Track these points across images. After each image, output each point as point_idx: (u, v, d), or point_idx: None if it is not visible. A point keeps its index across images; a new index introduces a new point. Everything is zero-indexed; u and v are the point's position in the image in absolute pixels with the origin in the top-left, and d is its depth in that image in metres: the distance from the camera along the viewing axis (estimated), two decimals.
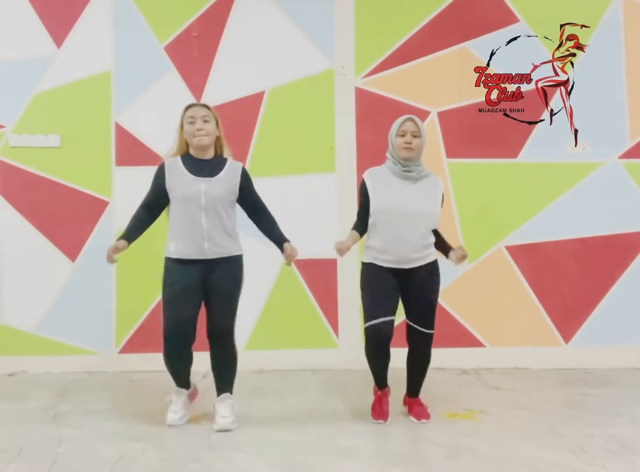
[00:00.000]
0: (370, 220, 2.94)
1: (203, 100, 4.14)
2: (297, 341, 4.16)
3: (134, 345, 4.09)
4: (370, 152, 3.91)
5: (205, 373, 3.88)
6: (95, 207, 4.14)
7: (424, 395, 3.15)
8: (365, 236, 3.01)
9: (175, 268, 2.89)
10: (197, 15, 4.21)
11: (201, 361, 3.75)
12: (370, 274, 2.95)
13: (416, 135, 2.91)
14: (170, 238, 2.93)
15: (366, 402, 3.13)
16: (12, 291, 4.10)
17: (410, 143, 2.89)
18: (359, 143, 4.19)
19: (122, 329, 4.11)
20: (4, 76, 4.13)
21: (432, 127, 4.24)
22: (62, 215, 4.13)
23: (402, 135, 2.91)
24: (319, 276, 4.17)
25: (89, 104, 4.16)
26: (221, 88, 4.18)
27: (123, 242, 2.88)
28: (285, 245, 2.98)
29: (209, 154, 2.95)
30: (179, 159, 2.96)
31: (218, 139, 2.99)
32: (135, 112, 4.16)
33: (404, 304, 2.99)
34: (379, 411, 3.01)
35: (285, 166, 4.21)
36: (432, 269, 2.95)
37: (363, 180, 3.01)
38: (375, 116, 4.21)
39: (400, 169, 2.92)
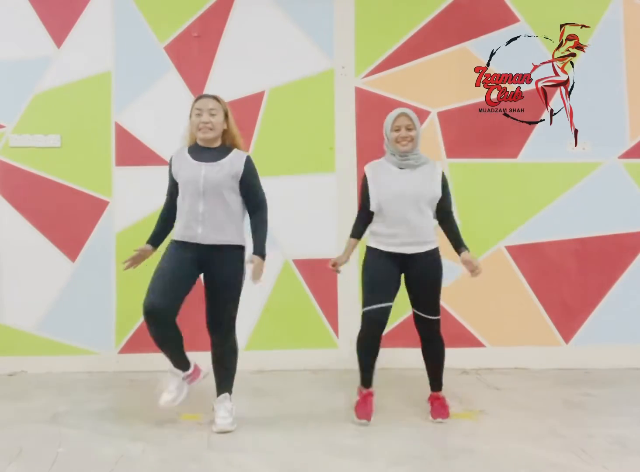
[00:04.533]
0: (375, 208, 3.01)
1: None
2: (297, 341, 4.16)
3: (134, 345, 4.08)
4: (370, 152, 3.88)
5: (206, 373, 3.88)
6: (95, 207, 4.14)
7: (424, 395, 3.14)
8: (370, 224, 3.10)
9: (172, 249, 2.91)
10: (197, 15, 4.21)
11: (201, 361, 3.76)
12: (372, 258, 3.02)
13: (410, 128, 2.99)
14: (176, 221, 2.97)
15: None
16: (12, 291, 4.09)
17: (405, 137, 2.98)
18: (359, 143, 4.19)
19: (122, 329, 4.11)
20: (4, 76, 4.12)
21: (432, 127, 4.25)
22: (62, 215, 4.13)
23: (397, 130, 2.99)
24: (319, 276, 4.17)
25: (89, 104, 4.16)
26: (221, 88, 4.14)
27: (149, 247, 3.01)
28: (252, 257, 2.88)
29: (215, 144, 2.95)
30: (185, 148, 2.98)
31: (227, 131, 2.96)
32: (135, 112, 4.16)
33: (409, 292, 3.05)
34: (364, 410, 3.01)
35: (285, 166, 4.21)
36: (433, 256, 3.02)
37: (364, 174, 3.11)
38: (375, 116, 4.18)
39: (399, 159, 3.02)
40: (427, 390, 3.15)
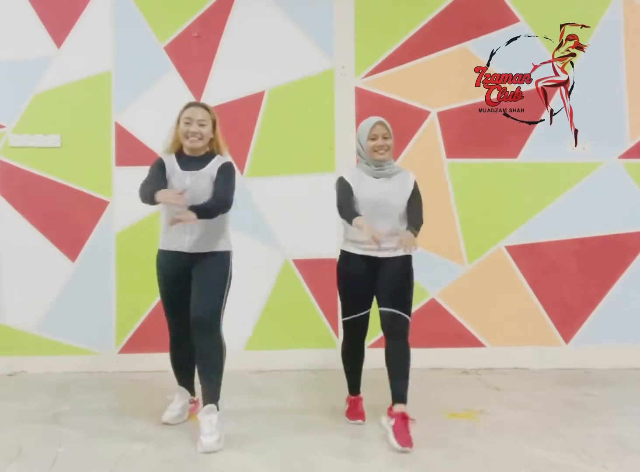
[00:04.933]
0: None
1: (203, 101, 4.14)
2: (297, 341, 4.16)
3: (134, 345, 4.09)
4: None
5: None
6: (95, 207, 4.14)
7: (424, 395, 3.14)
8: (343, 230, 3.04)
9: (163, 261, 2.95)
10: (197, 15, 4.21)
11: None
12: (345, 264, 2.99)
13: (386, 137, 2.98)
14: (161, 230, 2.98)
15: (366, 402, 3.12)
16: (12, 291, 4.09)
17: (382, 146, 2.96)
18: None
19: (122, 329, 4.11)
20: (4, 76, 4.12)
21: (432, 127, 4.24)
22: (62, 215, 4.13)
23: (374, 139, 2.97)
24: (319, 276, 4.17)
25: (89, 104, 4.16)
26: (221, 88, 4.18)
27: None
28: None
29: (201, 152, 2.96)
30: (173, 156, 2.97)
31: (213, 139, 2.97)
32: (135, 112, 4.16)
33: (377, 293, 2.95)
34: (355, 412, 3.02)
35: (285, 166, 4.21)
36: (405, 261, 2.95)
37: (342, 177, 3.03)
38: None
39: (374, 169, 3.00)
40: (426, 390, 3.14)
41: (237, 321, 4.11)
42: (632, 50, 4.28)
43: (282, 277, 4.19)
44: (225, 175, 2.90)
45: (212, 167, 2.92)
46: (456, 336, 4.18)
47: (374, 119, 3.01)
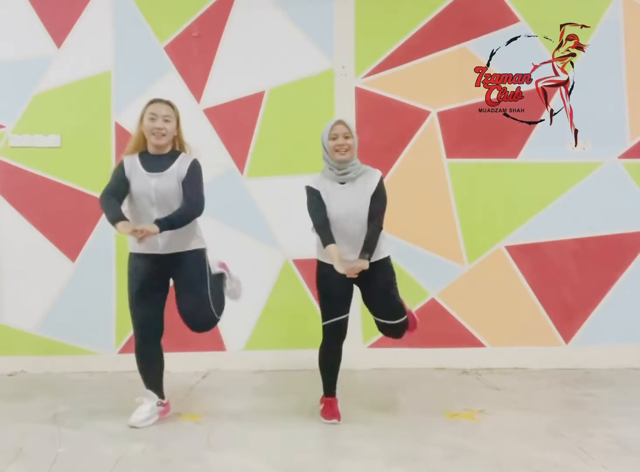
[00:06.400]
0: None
1: (203, 100, 4.17)
2: (297, 341, 4.15)
3: (134, 345, 4.08)
4: (370, 152, 3.89)
5: (205, 373, 3.89)
6: (95, 207, 4.10)
7: (424, 395, 3.15)
8: (316, 237, 3.00)
9: (135, 264, 2.93)
10: (197, 15, 4.21)
11: (201, 361, 3.75)
12: (324, 272, 3.00)
13: (347, 136, 2.97)
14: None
15: (366, 402, 3.13)
16: (12, 291, 4.09)
17: (342, 145, 2.95)
18: (358, 143, 4.18)
19: (122, 329, 4.10)
20: (4, 76, 4.12)
21: (432, 127, 4.24)
22: (62, 216, 4.13)
23: (334, 139, 2.97)
24: None
25: (89, 104, 4.16)
26: (221, 88, 4.18)
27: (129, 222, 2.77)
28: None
29: (166, 150, 2.95)
30: (136, 156, 2.96)
31: (177, 137, 2.98)
32: (135, 112, 4.11)
33: (365, 303, 3.06)
34: (331, 411, 3.00)
35: (285, 166, 4.21)
36: (384, 265, 3.00)
37: (312, 188, 3.00)
38: (375, 116, 4.21)
39: (337, 173, 2.98)
40: (426, 390, 3.14)
41: (237, 321, 4.12)
42: (632, 50, 4.28)
43: (282, 277, 4.19)
44: (194, 178, 2.91)
45: (178, 167, 2.90)
46: (456, 336, 4.18)
47: (334, 119, 3.04)
